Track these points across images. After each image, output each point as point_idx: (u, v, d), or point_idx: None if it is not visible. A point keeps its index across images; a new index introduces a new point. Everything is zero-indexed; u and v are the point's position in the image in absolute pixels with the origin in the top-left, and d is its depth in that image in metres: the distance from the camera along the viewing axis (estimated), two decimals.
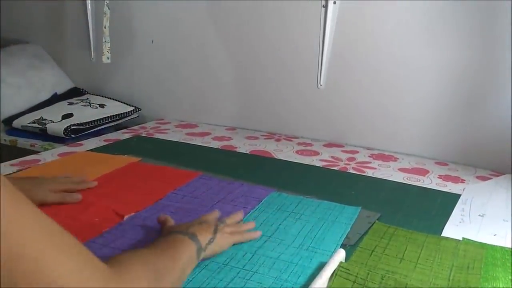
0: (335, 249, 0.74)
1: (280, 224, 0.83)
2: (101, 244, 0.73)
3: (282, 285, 0.64)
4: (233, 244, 0.73)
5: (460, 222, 0.88)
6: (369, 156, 1.30)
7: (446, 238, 0.80)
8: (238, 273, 0.67)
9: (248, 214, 0.87)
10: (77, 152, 1.24)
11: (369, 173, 1.15)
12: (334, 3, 1.31)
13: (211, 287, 0.63)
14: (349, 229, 0.82)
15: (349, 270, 0.67)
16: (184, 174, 1.06)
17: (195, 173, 1.07)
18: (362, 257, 0.74)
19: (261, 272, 0.67)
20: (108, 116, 1.59)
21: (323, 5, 1.32)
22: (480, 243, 0.79)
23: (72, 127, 1.46)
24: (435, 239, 0.79)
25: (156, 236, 0.72)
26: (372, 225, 0.84)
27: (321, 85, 1.40)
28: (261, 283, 0.65)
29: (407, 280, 0.67)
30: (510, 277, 0.68)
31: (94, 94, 1.78)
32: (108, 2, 1.56)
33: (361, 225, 0.84)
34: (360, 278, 0.66)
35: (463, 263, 0.72)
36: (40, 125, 1.49)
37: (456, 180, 1.13)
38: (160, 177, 1.05)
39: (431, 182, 1.11)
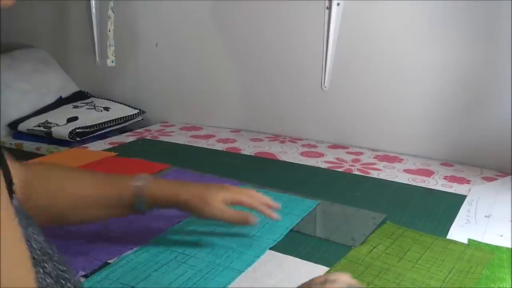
0: (278, 238, 0.77)
1: None
2: None
3: (213, 268, 0.68)
4: None
5: (466, 223, 0.88)
6: (374, 158, 1.29)
7: (455, 242, 0.80)
8: (176, 257, 0.71)
9: None
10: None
11: (374, 174, 1.15)
12: (338, 4, 1.31)
13: (145, 269, 0.67)
14: (299, 221, 0.84)
15: None
16: (153, 166, 1.14)
17: (164, 165, 1.14)
18: (361, 252, 0.74)
19: (198, 256, 0.71)
20: (112, 119, 1.59)
21: (327, 7, 1.32)
22: (490, 247, 0.78)
23: (77, 130, 1.47)
24: (443, 242, 0.79)
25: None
26: (378, 226, 0.83)
27: (325, 87, 1.39)
28: (194, 266, 0.68)
29: (400, 278, 0.67)
30: None
31: (99, 97, 1.79)
32: (112, 5, 1.57)
33: (367, 226, 0.84)
34: None
35: (464, 267, 0.71)
36: (45, 128, 1.50)
37: (461, 181, 1.12)
38: (130, 169, 1.12)
39: (437, 183, 1.10)
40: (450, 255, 0.75)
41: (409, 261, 0.72)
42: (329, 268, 0.69)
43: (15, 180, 0.63)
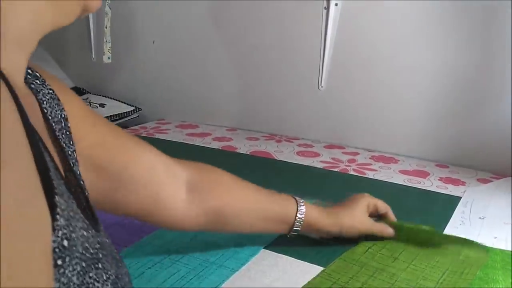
0: (273, 237, 0.77)
1: None
2: None
3: (207, 267, 0.68)
4: None
5: (461, 224, 0.88)
6: (370, 158, 1.29)
7: (452, 239, 0.80)
8: (169, 255, 0.71)
9: None
10: None
11: (369, 175, 1.15)
12: (336, 5, 1.30)
13: (138, 267, 0.67)
14: None
15: (330, 275, 0.68)
16: None
17: None
18: (356, 252, 0.74)
19: (192, 254, 0.71)
20: (108, 116, 1.59)
21: (325, 7, 1.32)
22: (485, 248, 0.78)
23: None
24: (440, 240, 0.79)
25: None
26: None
27: (322, 87, 1.39)
28: (187, 264, 0.68)
29: (394, 279, 0.67)
30: (510, 280, 0.68)
31: (95, 94, 1.78)
32: (109, 2, 1.56)
33: None
34: (341, 281, 0.66)
35: (459, 268, 0.71)
36: None
37: (456, 182, 1.12)
38: None
39: (432, 184, 1.10)
40: (444, 255, 0.75)
41: (404, 261, 0.72)
42: (323, 268, 0.69)
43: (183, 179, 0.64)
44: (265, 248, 0.75)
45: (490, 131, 1.21)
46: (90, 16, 1.72)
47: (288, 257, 0.72)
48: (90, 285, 0.35)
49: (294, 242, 0.77)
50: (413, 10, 1.24)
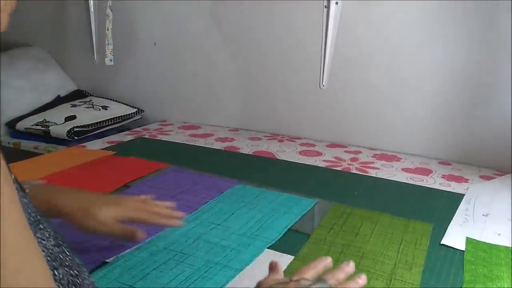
0: (276, 237, 0.78)
1: (232, 214, 0.86)
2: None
3: (211, 267, 0.68)
4: None
5: (464, 221, 0.88)
6: (372, 156, 1.29)
7: (397, 217, 0.86)
8: (174, 256, 0.71)
9: (206, 204, 0.90)
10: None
11: (372, 173, 1.15)
12: (336, 3, 1.30)
13: (143, 268, 0.67)
14: (297, 219, 0.85)
15: (305, 257, 0.71)
16: (152, 165, 1.13)
17: (162, 164, 1.14)
18: (321, 234, 0.79)
19: (196, 255, 0.71)
20: (111, 118, 1.59)
21: (325, 6, 1.32)
22: (486, 245, 0.78)
23: (75, 129, 1.46)
24: (387, 218, 0.86)
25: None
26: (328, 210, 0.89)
27: (323, 86, 1.39)
28: (192, 265, 0.69)
29: (362, 251, 0.74)
30: None
31: (97, 96, 1.78)
32: (111, 4, 1.57)
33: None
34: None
35: (411, 238, 0.79)
36: (44, 127, 1.50)
37: (459, 179, 1.12)
38: (128, 168, 1.11)
39: (435, 182, 1.10)
40: (396, 228, 0.82)
41: (364, 235, 0.79)
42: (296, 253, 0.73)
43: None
44: (268, 248, 0.75)
45: (492, 128, 1.21)
46: (92, 18, 1.73)
47: (292, 256, 0.73)
48: (39, 244, 0.39)
49: (297, 241, 0.77)
50: (414, 10, 1.24)
